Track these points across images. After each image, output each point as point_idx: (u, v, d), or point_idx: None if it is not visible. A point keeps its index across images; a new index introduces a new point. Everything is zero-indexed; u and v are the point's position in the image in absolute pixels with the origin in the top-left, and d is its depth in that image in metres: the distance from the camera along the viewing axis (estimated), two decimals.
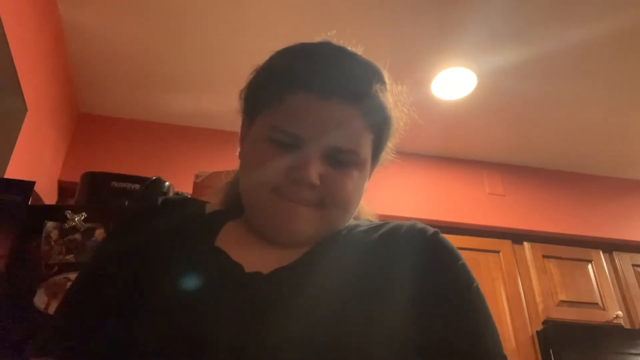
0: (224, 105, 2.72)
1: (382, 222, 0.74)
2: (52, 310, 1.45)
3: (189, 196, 0.82)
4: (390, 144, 0.74)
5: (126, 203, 1.80)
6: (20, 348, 1.39)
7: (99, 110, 2.84)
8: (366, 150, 0.69)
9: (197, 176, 1.89)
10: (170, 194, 1.91)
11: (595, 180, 3.30)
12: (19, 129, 1.97)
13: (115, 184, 1.83)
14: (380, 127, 0.70)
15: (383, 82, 0.71)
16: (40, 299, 1.46)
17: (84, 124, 2.82)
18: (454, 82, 2.60)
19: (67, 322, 0.67)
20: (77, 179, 1.94)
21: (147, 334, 0.58)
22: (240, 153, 0.74)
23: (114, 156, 2.70)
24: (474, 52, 2.45)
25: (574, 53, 2.43)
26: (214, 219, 0.73)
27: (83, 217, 1.59)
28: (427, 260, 0.66)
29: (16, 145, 1.95)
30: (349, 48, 0.73)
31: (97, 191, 1.84)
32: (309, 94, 0.65)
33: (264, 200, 0.66)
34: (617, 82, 2.61)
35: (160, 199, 0.76)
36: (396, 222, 0.72)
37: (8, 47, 1.75)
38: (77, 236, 1.56)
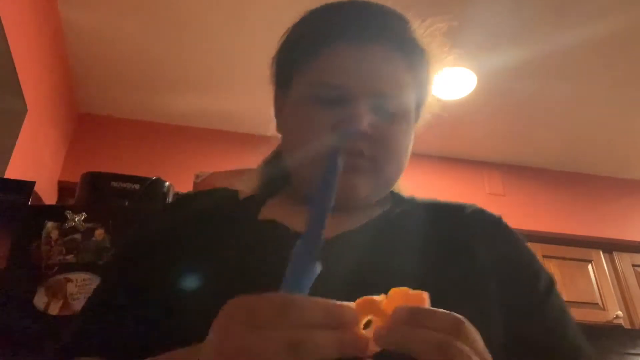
0: (223, 105, 2.73)
1: (427, 199, 0.72)
2: (52, 310, 1.45)
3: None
4: (430, 98, 0.71)
5: (126, 203, 1.80)
6: (21, 348, 1.39)
7: (99, 110, 2.84)
8: (410, 98, 0.65)
9: (197, 176, 1.89)
10: (170, 194, 1.91)
11: (595, 180, 3.30)
12: (19, 129, 1.97)
13: (115, 184, 1.83)
14: (420, 69, 0.67)
15: (413, 26, 0.69)
16: (40, 299, 1.46)
17: (84, 124, 2.82)
18: (454, 82, 2.60)
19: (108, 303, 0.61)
20: (77, 179, 1.94)
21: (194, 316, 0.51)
22: (278, 125, 0.71)
23: (114, 156, 2.70)
24: (474, 52, 2.45)
25: (574, 53, 2.43)
26: (250, 200, 0.68)
27: (83, 217, 1.59)
28: (510, 252, 0.65)
29: (16, 145, 1.95)
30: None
31: (97, 191, 1.84)
32: (347, 43, 0.62)
33: (317, 164, 0.59)
34: (617, 82, 2.60)
35: (191, 192, 0.77)
36: (448, 200, 0.71)
37: (8, 47, 1.75)
38: (77, 236, 1.56)
